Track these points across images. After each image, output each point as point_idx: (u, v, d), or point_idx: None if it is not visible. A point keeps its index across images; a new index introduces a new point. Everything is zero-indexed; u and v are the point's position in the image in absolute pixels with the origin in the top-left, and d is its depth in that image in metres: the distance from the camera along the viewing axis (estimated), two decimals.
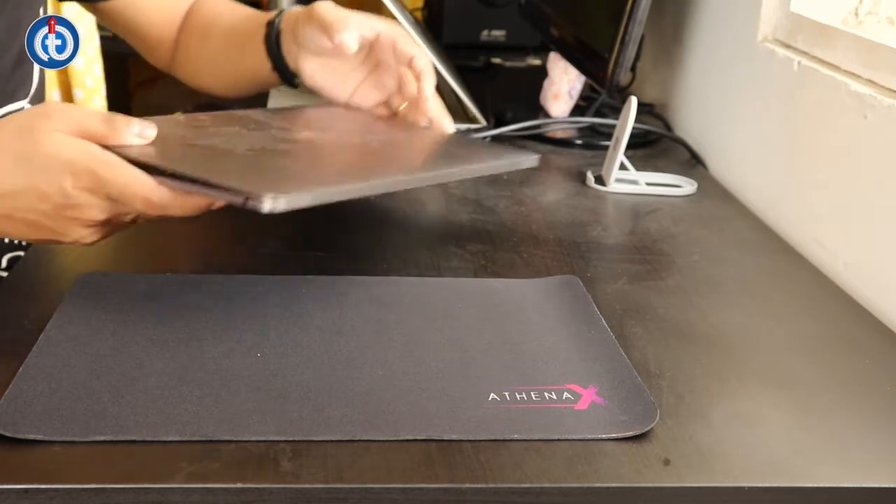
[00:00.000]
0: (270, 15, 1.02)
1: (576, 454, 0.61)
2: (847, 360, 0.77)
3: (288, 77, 1.02)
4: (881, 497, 0.61)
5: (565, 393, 0.67)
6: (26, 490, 0.56)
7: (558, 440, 0.62)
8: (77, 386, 0.65)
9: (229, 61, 1.08)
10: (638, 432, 0.63)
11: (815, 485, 0.60)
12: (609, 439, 0.62)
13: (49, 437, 0.59)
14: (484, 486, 0.58)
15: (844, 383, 0.73)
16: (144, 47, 1.17)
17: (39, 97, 1.09)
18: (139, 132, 0.74)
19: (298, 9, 0.97)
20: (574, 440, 0.62)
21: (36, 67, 1.06)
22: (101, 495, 0.56)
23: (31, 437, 0.59)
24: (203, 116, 0.88)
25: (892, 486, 0.61)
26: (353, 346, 0.71)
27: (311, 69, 0.97)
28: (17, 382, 0.65)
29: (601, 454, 0.61)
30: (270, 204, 0.65)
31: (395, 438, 0.61)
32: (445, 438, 0.61)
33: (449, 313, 0.76)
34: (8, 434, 0.59)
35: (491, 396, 0.66)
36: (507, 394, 0.66)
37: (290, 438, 0.61)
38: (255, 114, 0.93)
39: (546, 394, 0.66)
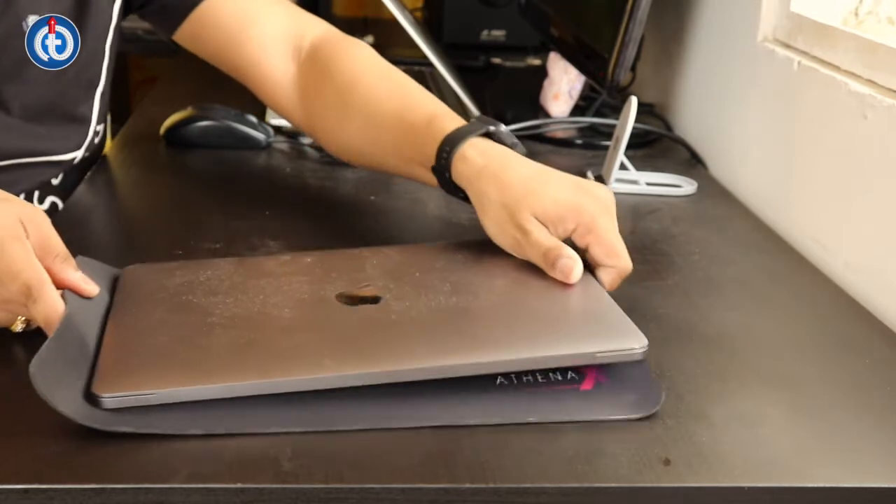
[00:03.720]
0: (426, 145, 0.85)
1: (576, 454, 0.61)
2: (847, 360, 0.77)
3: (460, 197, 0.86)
4: (881, 497, 0.61)
5: (570, 372, 0.67)
6: (26, 490, 0.56)
7: (569, 422, 0.63)
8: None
9: (383, 158, 0.95)
10: (646, 413, 0.64)
11: (815, 485, 0.60)
12: (617, 420, 0.63)
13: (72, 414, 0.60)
14: (484, 486, 0.58)
15: (844, 383, 0.73)
16: (251, 81, 1.04)
17: (95, 150, 1.08)
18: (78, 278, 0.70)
19: (474, 171, 0.81)
20: (583, 422, 0.64)
21: (93, 120, 1.04)
22: (101, 495, 0.56)
23: (60, 406, 0.59)
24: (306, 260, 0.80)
25: (892, 486, 0.61)
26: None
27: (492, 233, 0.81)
28: (50, 344, 0.64)
29: (601, 454, 0.61)
30: (109, 403, 0.62)
31: (408, 426, 0.62)
32: (459, 424, 0.62)
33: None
34: (42, 390, 0.59)
35: (499, 380, 0.66)
36: (513, 376, 0.67)
37: (307, 430, 0.61)
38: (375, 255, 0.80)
39: (551, 374, 0.67)
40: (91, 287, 0.72)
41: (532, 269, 0.77)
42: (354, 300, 0.72)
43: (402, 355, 0.66)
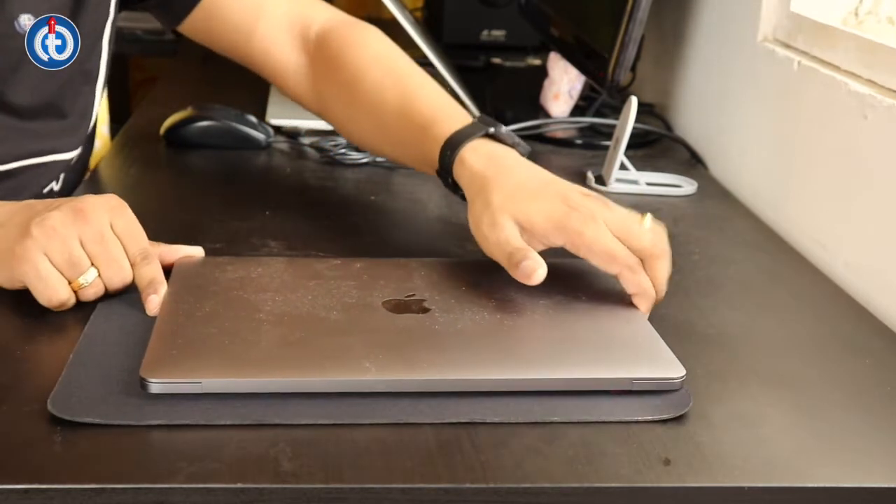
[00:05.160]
0: (428, 148, 0.87)
1: (576, 454, 0.61)
2: (847, 360, 0.77)
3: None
4: (881, 497, 0.61)
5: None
6: (26, 490, 0.56)
7: (597, 422, 0.64)
8: (125, 372, 0.66)
9: (391, 153, 0.99)
10: (674, 415, 0.65)
11: (815, 485, 0.60)
12: (645, 421, 0.64)
13: (107, 421, 0.61)
14: (484, 486, 0.58)
15: (844, 383, 0.73)
16: (264, 71, 1.06)
17: (89, 145, 1.08)
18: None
19: (473, 172, 0.82)
20: (612, 422, 0.64)
21: (93, 115, 1.04)
22: (102, 495, 0.56)
23: (89, 420, 0.61)
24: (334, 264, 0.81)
25: (892, 486, 0.61)
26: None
27: (472, 229, 0.82)
28: (70, 369, 0.66)
29: (601, 454, 0.61)
30: (155, 388, 0.63)
31: (439, 421, 0.63)
32: (488, 421, 0.63)
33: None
34: (66, 417, 0.61)
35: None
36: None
37: (339, 422, 0.62)
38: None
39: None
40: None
41: (575, 292, 0.78)
42: (400, 308, 0.74)
43: (442, 365, 0.67)
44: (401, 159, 0.97)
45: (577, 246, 0.75)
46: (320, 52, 1.03)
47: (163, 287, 0.75)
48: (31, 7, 0.92)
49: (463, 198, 0.85)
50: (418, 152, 0.90)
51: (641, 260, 0.75)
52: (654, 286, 0.75)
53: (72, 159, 1.02)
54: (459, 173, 0.83)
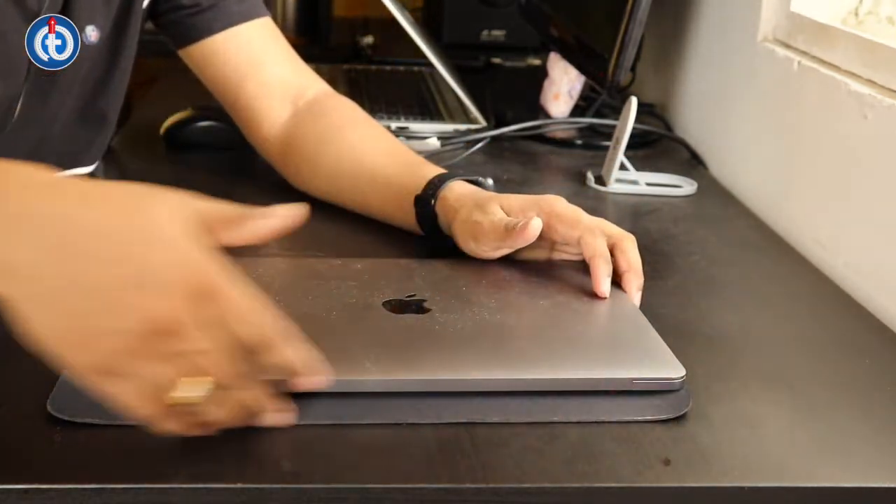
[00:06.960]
0: (414, 178, 0.92)
1: (576, 454, 0.61)
2: (847, 360, 0.77)
3: (440, 237, 0.90)
4: (881, 497, 0.61)
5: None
6: (26, 490, 0.56)
7: (597, 422, 0.64)
8: None
9: (354, 200, 0.99)
10: (674, 415, 0.65)
11: (815, 485, 0.61)
12: (646, 421, 0.64)
13: (107, 421, 0.60)
14: (484, 486, 0.58)
15: (844, 383, 0.73)
16: (240, 115, 1.07)
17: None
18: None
19: (461, 194, 0.87)
20: (612, 422, 0.64)
21: (110, 133, 1.04)
22: (102, 495, 0.56)
23: (89, 420, 0.61)
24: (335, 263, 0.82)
25: (892, 486, 0.61)
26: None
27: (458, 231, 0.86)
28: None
29: (601, 454, 0.61)
30: None
31: (439, 421, 0.63)
32: (488, 422, 0.63)
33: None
34: (66, 417, 0.61)
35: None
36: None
37: (338, 422, 0.62)
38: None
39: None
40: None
41: (575, 292, 0.78)
42: (400, 308, 0.74)
43: (442, 365, 0.67)
44: (372, 195, 0.97)
45: (548, 214, 0.80)
46: (307, 109, 1.05)
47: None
48: (95, 19, 0.95)
49: (427, 232, 0.90)
50: (400, 182, 0.93)
51: (613, 244, 0.79)
52: (630, 265, 0.79)
53: (90, 174, 1.03)
54: (445, 196, 0.88)
